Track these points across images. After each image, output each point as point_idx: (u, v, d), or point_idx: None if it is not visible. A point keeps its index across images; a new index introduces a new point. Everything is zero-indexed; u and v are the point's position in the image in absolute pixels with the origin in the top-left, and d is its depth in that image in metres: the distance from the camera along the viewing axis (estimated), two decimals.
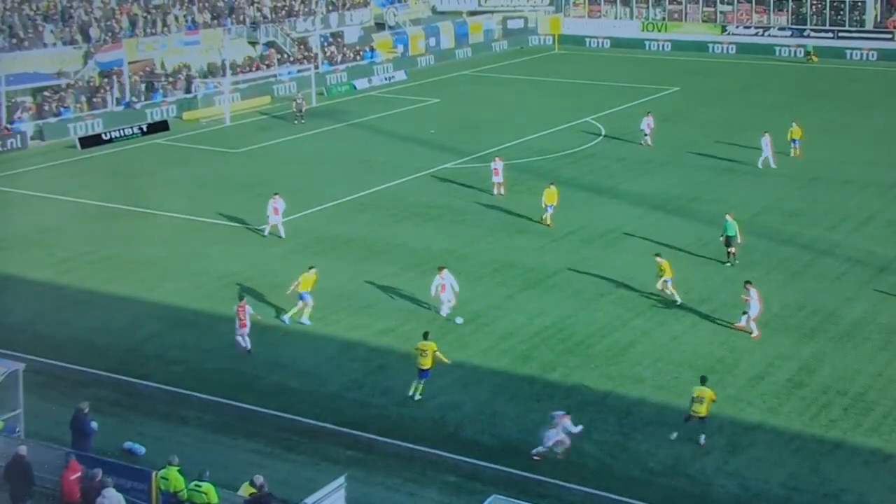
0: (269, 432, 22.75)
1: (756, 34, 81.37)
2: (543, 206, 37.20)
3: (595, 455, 21.74)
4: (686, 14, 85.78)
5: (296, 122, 56.27)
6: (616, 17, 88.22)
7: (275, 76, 64.94)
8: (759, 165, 44.34)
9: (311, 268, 29.23)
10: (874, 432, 22.27)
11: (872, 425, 22.56)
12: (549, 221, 37.03)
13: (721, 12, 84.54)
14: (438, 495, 20.31)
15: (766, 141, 44.27)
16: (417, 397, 24.03)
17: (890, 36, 76.92)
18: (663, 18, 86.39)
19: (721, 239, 32.98)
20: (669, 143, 49.87)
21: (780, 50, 78.00)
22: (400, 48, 76.55)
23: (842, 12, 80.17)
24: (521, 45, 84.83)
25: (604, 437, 22.42)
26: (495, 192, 41.05)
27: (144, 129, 54.61)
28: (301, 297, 28.48)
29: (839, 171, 43.86)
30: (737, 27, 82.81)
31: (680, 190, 41.77)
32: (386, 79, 69.97)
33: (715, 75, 70.41)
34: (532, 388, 24.82)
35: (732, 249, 32.61)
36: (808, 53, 74.64)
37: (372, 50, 73.51)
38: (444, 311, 28.84)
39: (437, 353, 24.09)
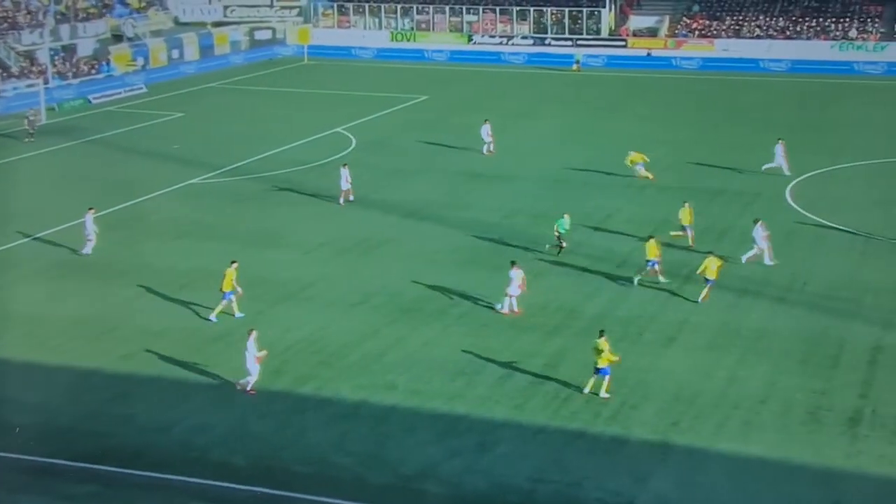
0: None
1: (500, 43, 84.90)
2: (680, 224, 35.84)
3: (348, 466, 21.94)
4: (434, 24, 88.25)
5: (26, 140, 53.33)
6: (365, 28, 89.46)
7: None
8: (786, 172, 44.04)
9: (232, 262, 29.99)
10: (613, 420, 23.74)
11: (611, 414, 24.05)
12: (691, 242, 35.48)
13: (467, 22, 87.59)
14: None
15: (779, 149, 44.20)
16: (587, 391, 24.78)
17: (623, 43, 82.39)
18: (412, 28, 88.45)
19: (555, 234, 35.01)
20: (420, 151, 51.14)
21: (524, 58, 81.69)
22: (140, 61, 74.14)
23: (579, 21, 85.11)
24: (270, 57, 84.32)
25: (357, 448, 22.66)
26: (342, 199, 41.49)
27: None
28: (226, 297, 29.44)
29: (580, 174, 46.36)
30: (482, 36, 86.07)
31: (432, 197, 42.87)
32: (125, 93, 67.58)
33: (463, 83, 72.79)
34: (284, 404, 24.72)
35: (564, 244, 35.12)
36: (576, 62, 78.48)
37: (108, 63, 70.80)
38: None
39: (607, 353, 24.66)
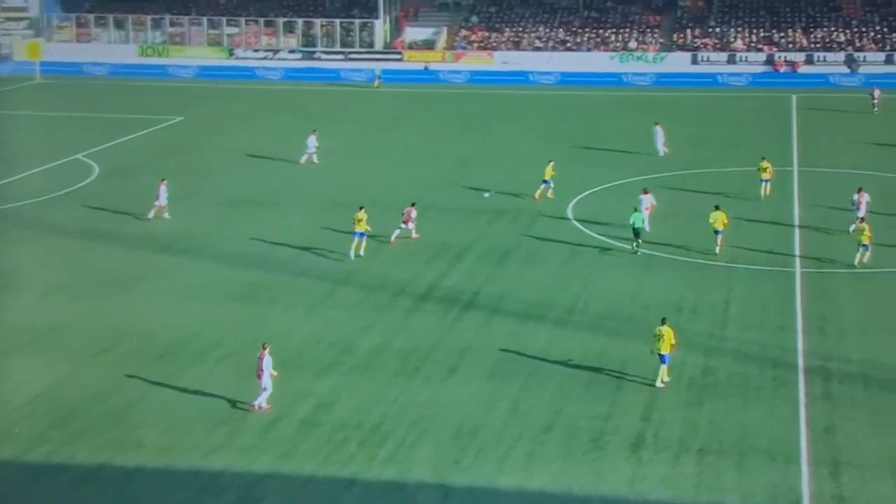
0: None
1: (265, 57, 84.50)
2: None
3: None
4: (189, 37, 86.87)
5: None
6: (110, 41, 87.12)
7: None
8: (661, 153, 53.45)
9: (361, 208, 37.87)
10: (389, 462, 23.80)
11: (388, 455, 24.10)
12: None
13: (227, 35, 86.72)
14: None
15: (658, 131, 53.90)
16: (660, 384, 27.17)
17: (399, 56, 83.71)
18: (164, 42, 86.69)
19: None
20: (176, 178, 49.84)
21: (292, 73, 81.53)
22: None
23: (352, 33, 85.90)
24: None
25: None
26: (152, 214, 42.74)
27: None
28: (358, 236, 37.47)
29: (356, 196, 46.36)
30: (245, 50, 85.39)
31: (191, 227, 41.89)
32: None
33: (223, 101, 71.83)
34: (11, 472, 23.36)
35: (640, 240, 37.94)
36: (377, 78, 78.61)
37: None
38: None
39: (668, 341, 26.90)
